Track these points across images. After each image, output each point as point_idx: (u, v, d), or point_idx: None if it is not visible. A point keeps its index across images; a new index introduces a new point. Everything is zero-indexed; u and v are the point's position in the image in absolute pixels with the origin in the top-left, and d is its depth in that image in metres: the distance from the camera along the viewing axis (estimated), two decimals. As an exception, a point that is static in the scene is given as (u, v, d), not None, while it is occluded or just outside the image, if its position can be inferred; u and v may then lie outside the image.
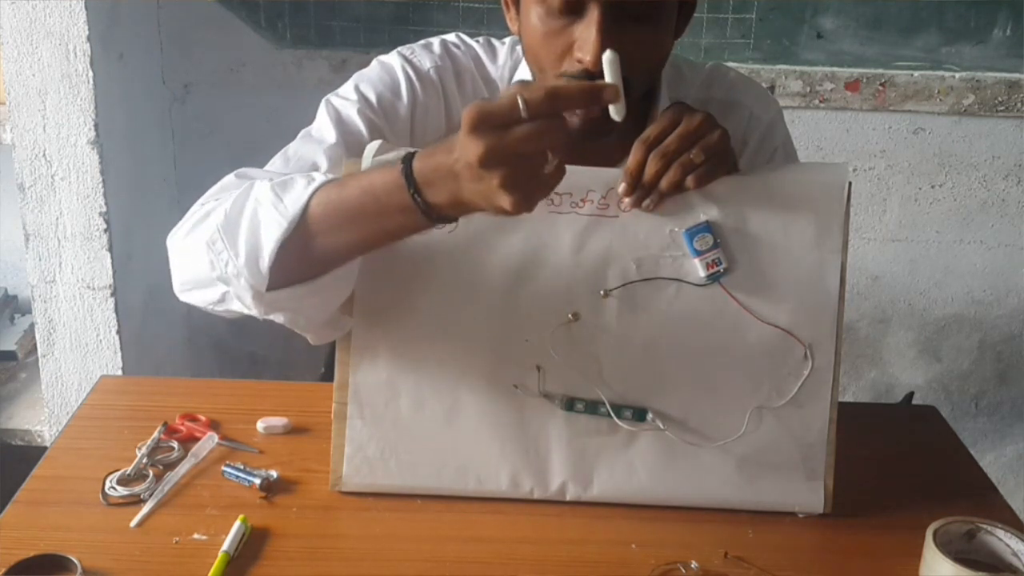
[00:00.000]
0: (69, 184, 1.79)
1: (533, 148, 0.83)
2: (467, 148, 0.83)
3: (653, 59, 1.09)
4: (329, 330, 1.07)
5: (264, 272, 0.96)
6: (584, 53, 1.02)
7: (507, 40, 1.22)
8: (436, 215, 0.91)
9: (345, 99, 1.16)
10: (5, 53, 1.72)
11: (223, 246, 0.98)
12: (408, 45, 1.21)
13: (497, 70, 1.20)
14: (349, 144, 1.11)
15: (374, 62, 1.20)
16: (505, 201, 0.85)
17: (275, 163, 1.14)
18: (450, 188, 0.88)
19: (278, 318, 1.02)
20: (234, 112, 2.14)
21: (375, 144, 1.07)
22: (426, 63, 1.18)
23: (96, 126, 1.77)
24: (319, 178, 0.98)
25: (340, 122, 1.14)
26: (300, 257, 0.97)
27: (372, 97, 1.16)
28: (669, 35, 1.09)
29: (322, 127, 1.15)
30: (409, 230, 0.95)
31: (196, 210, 1.08)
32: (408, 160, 0.90)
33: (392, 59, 1.19)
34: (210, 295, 1.04)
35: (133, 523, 1.04)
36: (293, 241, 0.95)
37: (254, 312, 1.01)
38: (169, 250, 1.08)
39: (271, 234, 0.95)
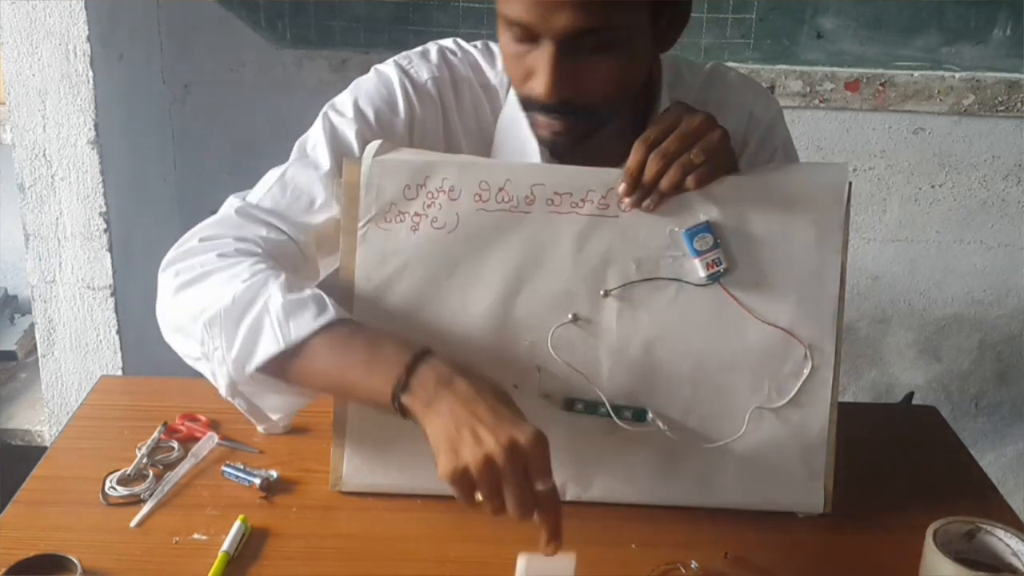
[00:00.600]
0: (69, 184, 1.79)
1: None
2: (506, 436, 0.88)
3: (618, 86, 1.06)
4: (281, 425, 1.12)
5: (247, 374, 1.00)
6: (537, 85, 1.03)
7: None
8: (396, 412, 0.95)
9: (343, 115, 1.14)
10: (5, 53, 1.72)
11: (219, 332, 1.00)
12: (405, 54, 1.20)
13: (496, 75, 1.19)
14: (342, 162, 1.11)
15: (372, 72, 1.19)
16: (452, 470, 0.89)
17: (272, 189, 1.12)
18: (440, 421, 0.91)
19: (240, 404, 1.05)
20: (234, 112, 2.14)
21: (375, 144, 1.07)
22: (424, 74, 1.17)
23: (96, 126, 1.77)
24: (329, 313, 0.99)
25: (335, 142, 1.13)
26: (281, 372, 1.01)
27: (370, 115, 1.14)
28: (638, 58, 1.06)
29: (317, 146, 1.13)
30: (362, 402, 1.02)
31: (193, 247, 1.07)
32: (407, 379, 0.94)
33: (389, 71, 1.17)
34: (191, 352, 1.05)
35: (133, 523, 1.04)
36: (282, 359, 0.99)
37: (220, 391, 1.04)
38: (160, 284, 1.08)
39: (266, 349, 0.99)
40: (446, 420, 0.91)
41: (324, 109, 1.16)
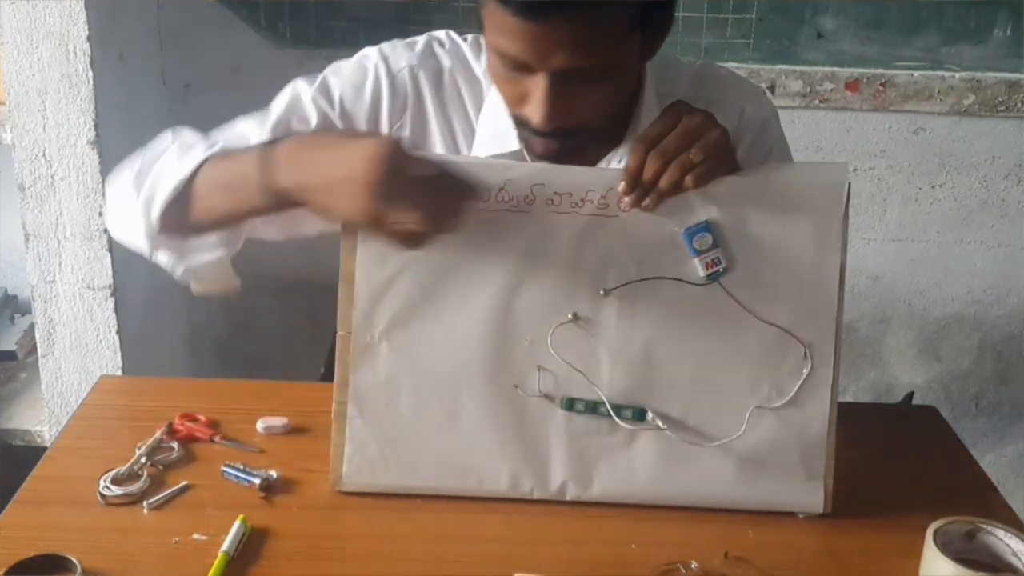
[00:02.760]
0: (69, 184, 1.79)
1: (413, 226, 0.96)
2: (366, 170, 0.94)
3: (611, 107, 1.08)
4: (212, 285, 1.19)
5: (154, 219, 1.10)
6: (532, 115, 1.04)
7: None
8: (278, 198, 1.03)
9: (310, 86, 1.20)
10: (5, 53, 1.72)
11: (131, 188, 1.12)
12: (393, 42, 1.22)
13: (481, 68, 1.20)
14: (292, 125, 1.18)
15: (358, 54, 1.22)
16: (360, 215, 0.96)
17: (222, 128, 1.21)
18: (309, 179, 1.00)
19: (162, 258, 1.14)
20: (234, 112, 2.11)
21: None
22: (401, 62, 1.19)
23: (96, 126, 1.77)
24: (218, 146, 1.11)
25: (293, 104, 1.19)
26: (186, 212, 1.09)
27: (336, 93, 1.19)
28: (627, 78, 1.08)
29: (276, 103, 1.20)
30: (257, 208, 1.07)
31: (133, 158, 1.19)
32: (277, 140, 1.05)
33: (370, 56, 1.21)
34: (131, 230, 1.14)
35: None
36: (182, 196, 1.09)
37: (145, 248, 1.14)
38: (106, 190, 1.21)
39: (164, 187, 1.09)
40: (313, 165, 0.99)
41: (296, 78, 1.22)
